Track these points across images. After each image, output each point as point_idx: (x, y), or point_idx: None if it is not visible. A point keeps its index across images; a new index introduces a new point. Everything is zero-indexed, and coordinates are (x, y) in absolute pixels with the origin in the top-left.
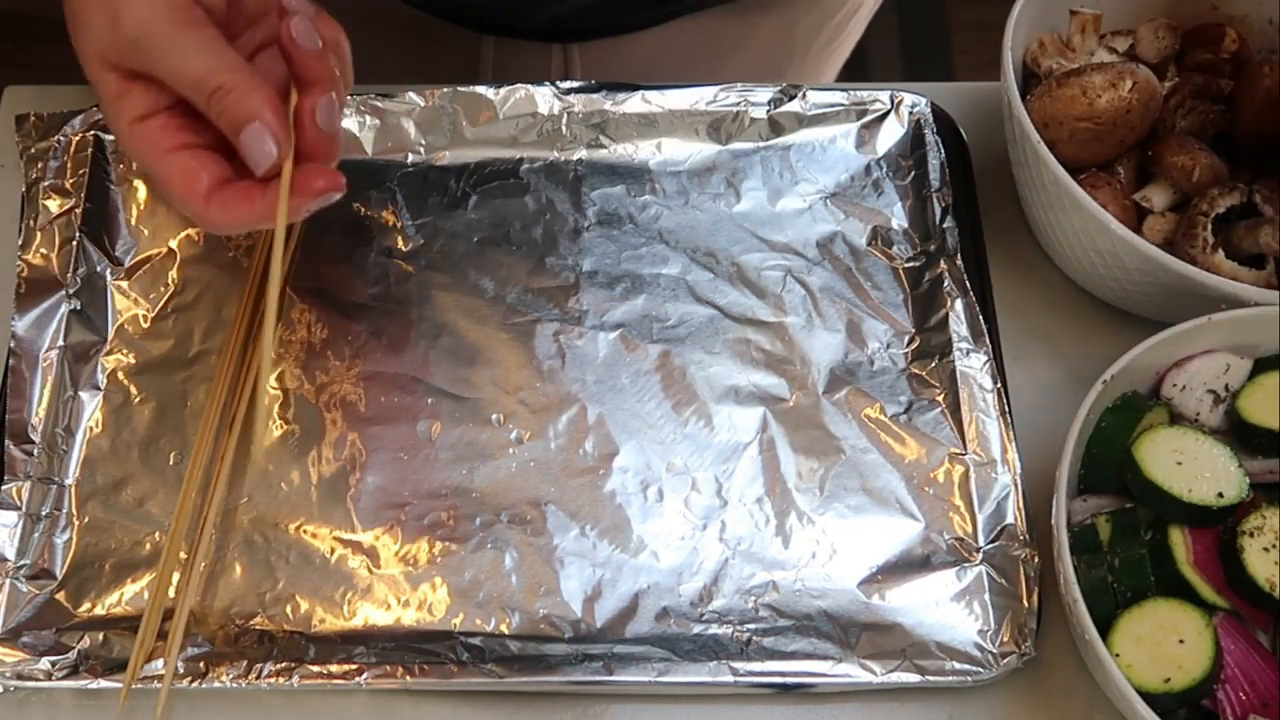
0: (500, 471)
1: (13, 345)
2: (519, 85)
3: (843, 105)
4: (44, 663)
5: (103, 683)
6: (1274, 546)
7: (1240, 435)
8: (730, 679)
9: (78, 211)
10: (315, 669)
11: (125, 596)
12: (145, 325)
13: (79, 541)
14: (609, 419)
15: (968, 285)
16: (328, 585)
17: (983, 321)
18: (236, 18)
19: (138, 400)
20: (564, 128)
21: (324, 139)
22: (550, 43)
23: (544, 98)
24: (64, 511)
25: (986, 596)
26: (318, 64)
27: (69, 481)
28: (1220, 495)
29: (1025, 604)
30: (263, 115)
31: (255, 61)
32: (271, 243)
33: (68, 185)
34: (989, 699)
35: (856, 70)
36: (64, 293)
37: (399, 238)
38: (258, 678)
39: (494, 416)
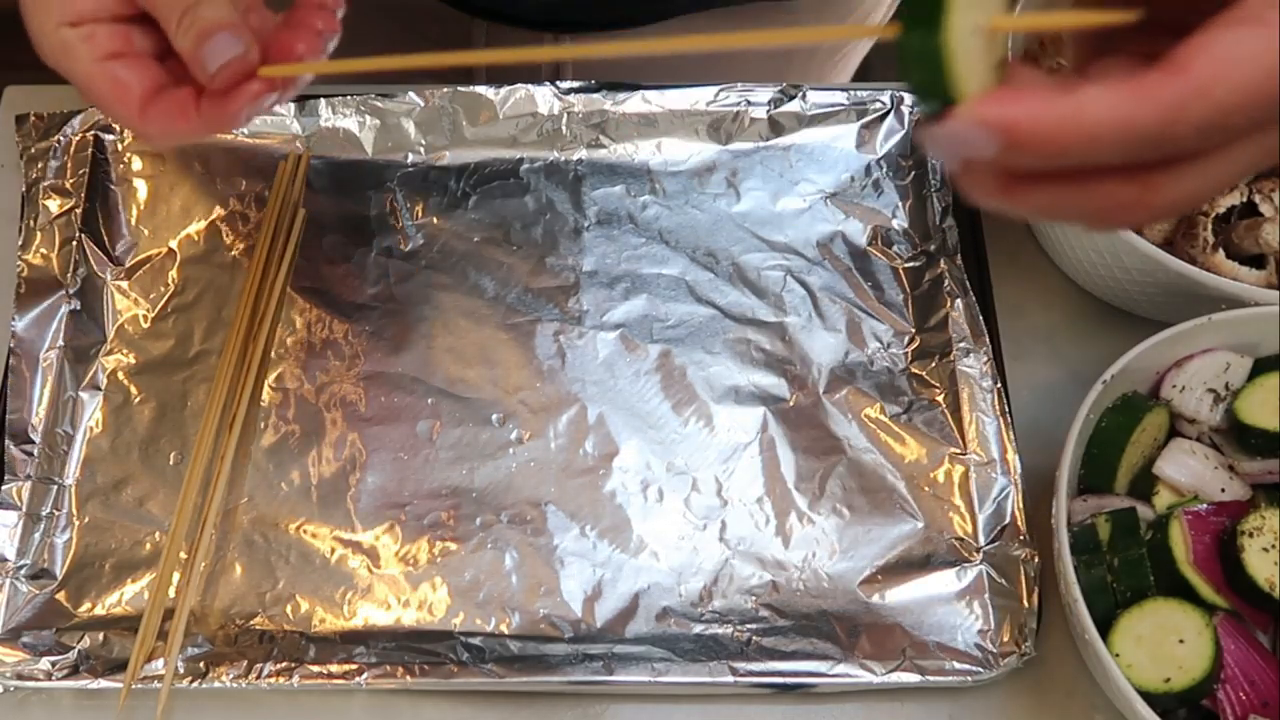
0: (500, 471)
1: (13, 345)
2: (519, 85)
3: (843, 105)
4: (44, 663)
5: (103, 683)
6: (1274, 546)
7: (1238, 436)
8: (730, 679)
9: (78, 211)
10: (315, 669)
11: (125, 596)
12: (145, 325)
13: (79, 541)
14: (609, 419)
15: (968, 285)
16: (328, 585)
17: (983, 321)
18: None
19: (138, 400)
20: (564, 128)
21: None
22: (542, 32)
23: (544, 97)
24: (64, 511)
25: (986, 596)
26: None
27: (69, 481)
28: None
29: (1025, 604)
30: (234, 24)
31: None
32: (271, 244)
33: (68, 185)
34: (989, 699)
35: (857, 70)
36: (64, 293)
37: (399, 238)
38: (258, 678)
39: (494, 416)
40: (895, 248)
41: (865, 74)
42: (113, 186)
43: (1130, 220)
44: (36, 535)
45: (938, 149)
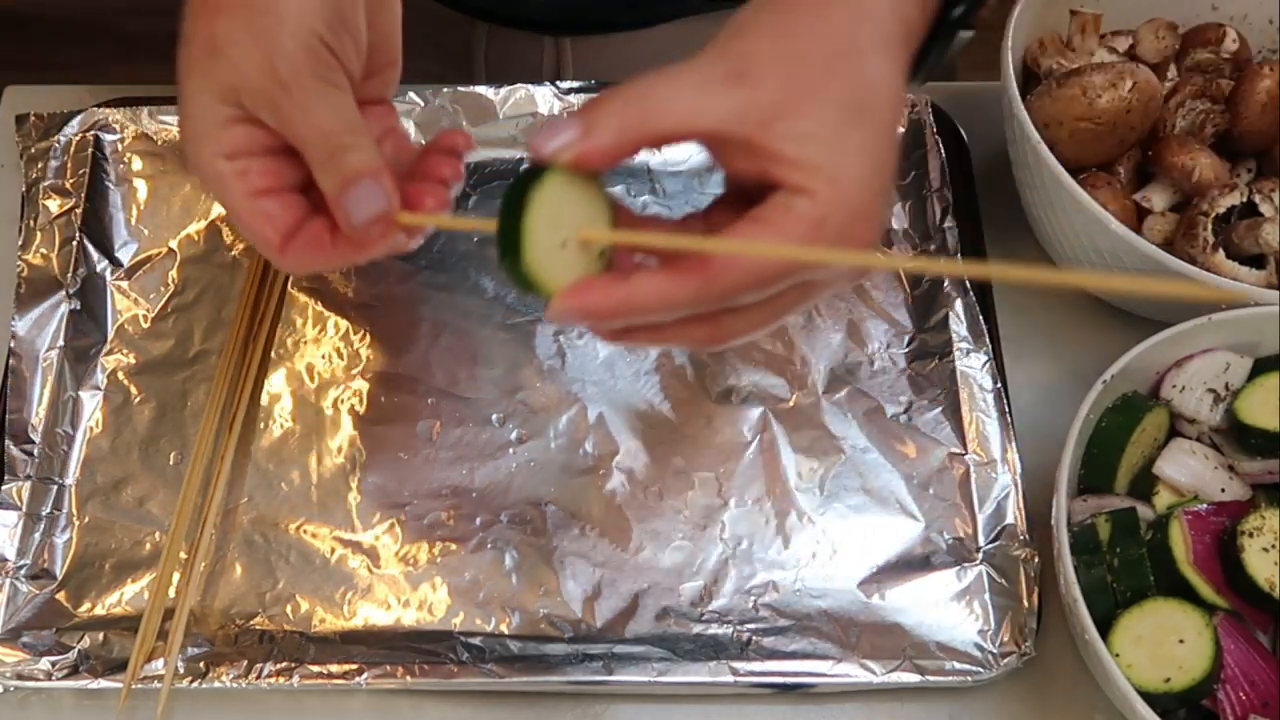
0: (500, 471)
1: (13, 345)
2: (519, 85)
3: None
4: (44, 663)
5: (103, 683)
6: (1273, 546)
7: (1238, 436)
8: (730, 679)
9: (78, 211)
10: (315, 669)
11: (125, 596)
12: (145, 325)
13: (79, 541)
14: (609, 419)
15: (968, 285)
16: (328, 585)
17: (983, 321)
18: (358, 68)
19: (138, 400)
20: None
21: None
22: (543, 34)
23: (544, 97)
24: (64, 511)
25: (986, 596)
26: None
27: (69, 481)
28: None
29: (1025, 604)
30: (379, 173)
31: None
32: None
33: (68, 185)
34: (989, 699)
35: None
36: (64, 293)
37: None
38: (258, 678)
39: (494, 416)
40: (895, 248)
41: None
42: (113, 186)
43: (718, 343)
44: (36, 535)
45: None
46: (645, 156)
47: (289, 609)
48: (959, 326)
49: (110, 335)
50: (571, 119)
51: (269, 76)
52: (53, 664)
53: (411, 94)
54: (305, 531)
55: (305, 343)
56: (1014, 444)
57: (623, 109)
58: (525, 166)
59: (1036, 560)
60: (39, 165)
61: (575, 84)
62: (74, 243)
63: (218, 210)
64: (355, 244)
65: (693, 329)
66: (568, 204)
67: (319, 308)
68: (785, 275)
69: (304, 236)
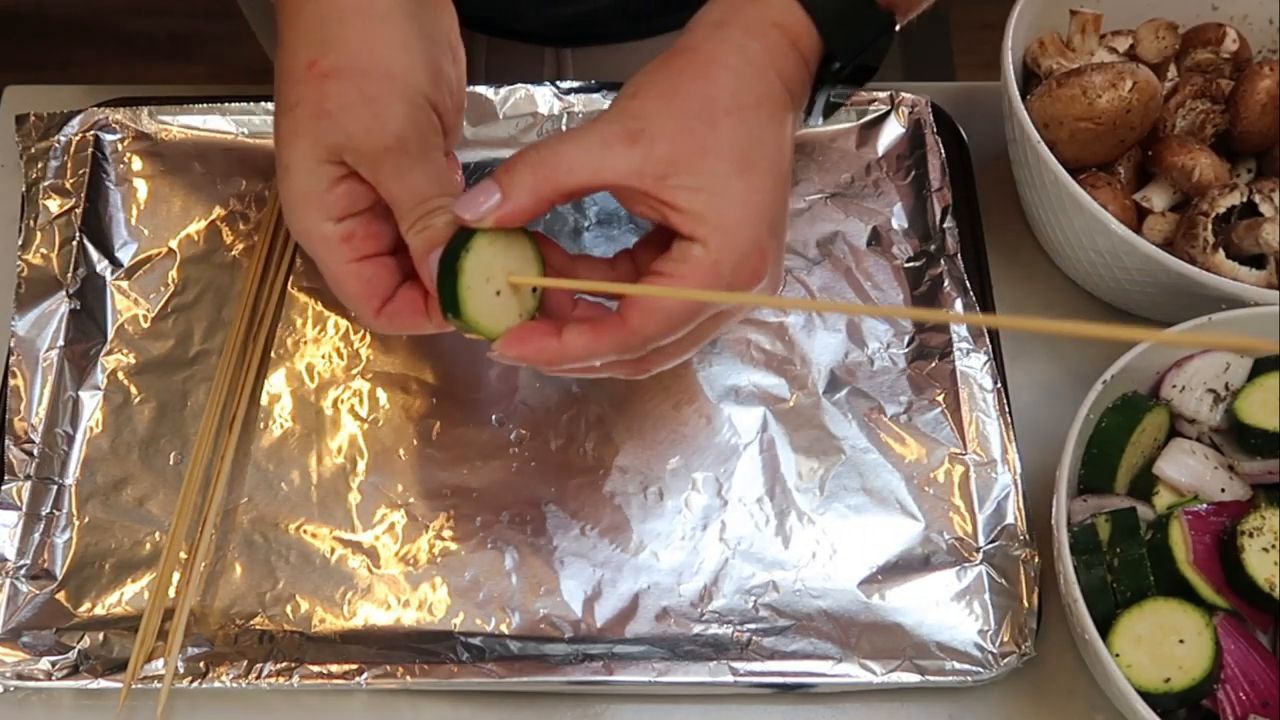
0: (500, 471)
1: (13, 345)
2: (519, 85)
3: (843, 105)
4: (44, 663)
5: (103, 683)
6: (1273, 546)
7: (1238, 436)
8: (730, 679)
9: (78, 211)
10: (315, 669)
11: (125, 596)
12: (145, 325)
13: (79, 541)
14: (609, 419)
15: (968, 285)
16: (328, 585)
17: None
18: (454, 121)
19: (138, 400)
20: (564, 128)
21: None
22: (543, 46)
23: (544, 98)
24: (64, 511)
25: (986, 596)
26: None
27: (69, 481)
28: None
29: (1025, 604)
30: None
31: None
32: (271, 244)
33: (68, 185)
34: (989, 699)
35: None
36: (64, 293)
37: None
38: (258, 678)
39: (494, 416)
40: (895, 248)
41: None
42: (113, 187)
43: (643, 374)
44: (36, 535)
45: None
46: None
47: (289, 609)
48: (959, 326)
49: (110, 335)
50: (489, 184)
51: (377, 139)
52: (53, 664)
53: None
54: (305, 531)
55: (305, 343)
56: (1014, 444)
57: (534, 172)
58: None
59: (1036, 560)
60: (39, 165)
61: (575, 84)
62: (74, 243)
63: (218, 210)
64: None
65: (619, 367)
66: (498, 256)
67: (319, 308)
68: (694, 316)
69: (400, 302)
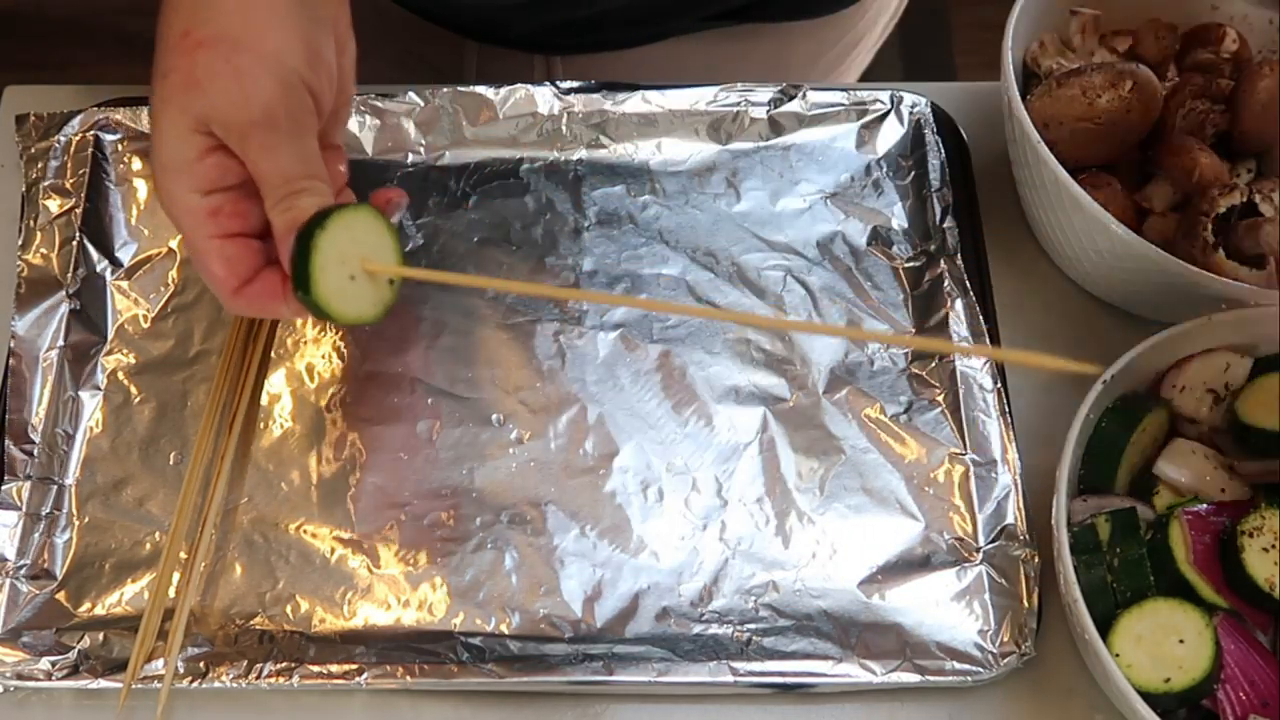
0: (500, 471)
1: (13, 345)
2: (519, 85)
3: (843, 105)
4: (44, 663)
5: (103, 683)
6: (1273, 547)
7: (1238, 436)
8: (730, 679)
9: (78, 211)
10: (315, 669)
11: (125, 596)
12: (145, 325)
13: (79, 541)
14: (609, 419)
15: (968, 285)
16: (328, 585)
17: (983, 321)
18: (328, 105)
19: (138, 400)
20: (564, 127)
21: None
22: (533, 53)
23: (544, 97)
24: (64, 511)
25: (986, 596)
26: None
27: (69, 481)
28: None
29: (1025, 604)
30: None
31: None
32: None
33: (68, 185)
34: (989, 699)
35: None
36: (64, 293)
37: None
38: (258, 678)
39: (494, 416)
40: (895, 248)
41: (866, 74)
42: (113, 187)
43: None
44: (36, 535)
45: None
46: (646, 156)
47: (289, 609)
48: (959, 326)
49: (110, 335)
50: None
51: (243, 112)
52: (53, 664)
53: (411, 94)
54: (305, 531)
55: (305, 343)
56: (1014, 444)
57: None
58: (316, 213)
59: (1036, 560)
60: (39, 165)
61: (575, 84)
62: (74, 243)
63: None
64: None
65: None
66: (355, 241)
67: None
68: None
69: (259, 284)
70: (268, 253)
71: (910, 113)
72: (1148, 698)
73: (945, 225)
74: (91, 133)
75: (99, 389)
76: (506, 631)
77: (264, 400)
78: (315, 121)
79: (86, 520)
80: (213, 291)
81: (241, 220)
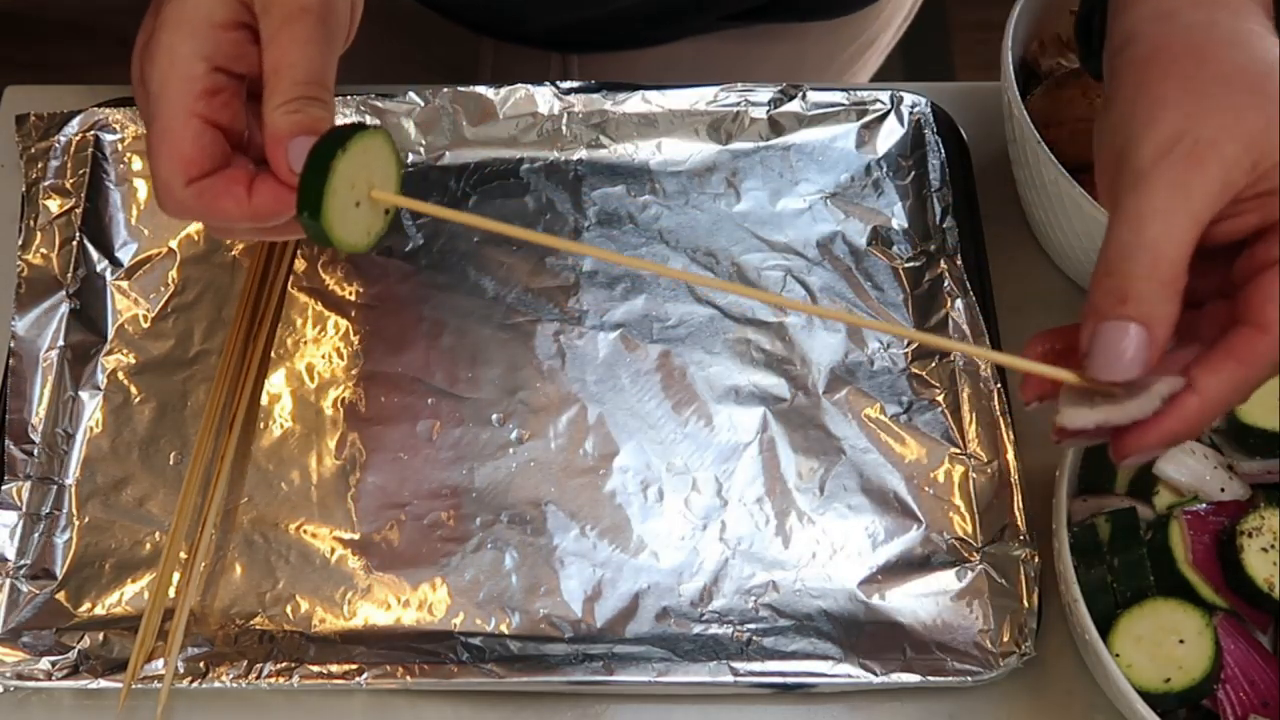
0: (500, 471)
1: (13, 345)
2: (519, 85)
3: (843, 105)
4: (44, 663)
5: (103, 683)
6: (1272, 547)
7: (1238, 436)
8: (730, 679)
9: (78, 211)
10: (315, 669)
11: (125, 596)
12: (145, 325)
13: (79, 541)
14: (609, 419)
15: (968, 285)
16: (328, 585)
17: (983, 321)
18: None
19: (138, 400)
20: (564, 128)
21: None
22: (549, 51)
23: (544, 98)
24: (64, 511)
25: (986, 596)
26: None
27: (69, 481)
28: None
29: (1025, 604)
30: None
31: None
32: (271, 244)
33: (68, 185)
34: (989, 699)
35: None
36: (64, 293)
37: (399, 238)
38: (258, 678)
39: (494, 416)
40: (895, 248)
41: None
42: (113, 187)
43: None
44: (36, 535)
45: None
46: (646, 156)
47: (289, 609)
48: (959, 326)
49: (110, 335)
50: (1120, 325)
51: None
52: (53, 664)
53: (411, 94)
54: (305, 531)
55: (305, 343)
56: (1014, 444)
57: (1150, 279)
58: (333, 131)
59: (1036, 560)
60: (39, 165)
61: (575, 84)
62: (74, 243)
63: None
64: (277, 197)
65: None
66: (368, 167)
67: (319, 308)
68: None
69: (219, 179)
70: (228, 161)
71: (910, 113)
72: (1148, 698)
73: (945, 225)
74: (91, 133)
75: (99, 389)
76: (506, 631)
77: (264, 400)
78: (344, 42)
79: (86, 520)
80: (158, 179)
81: (230, 115)
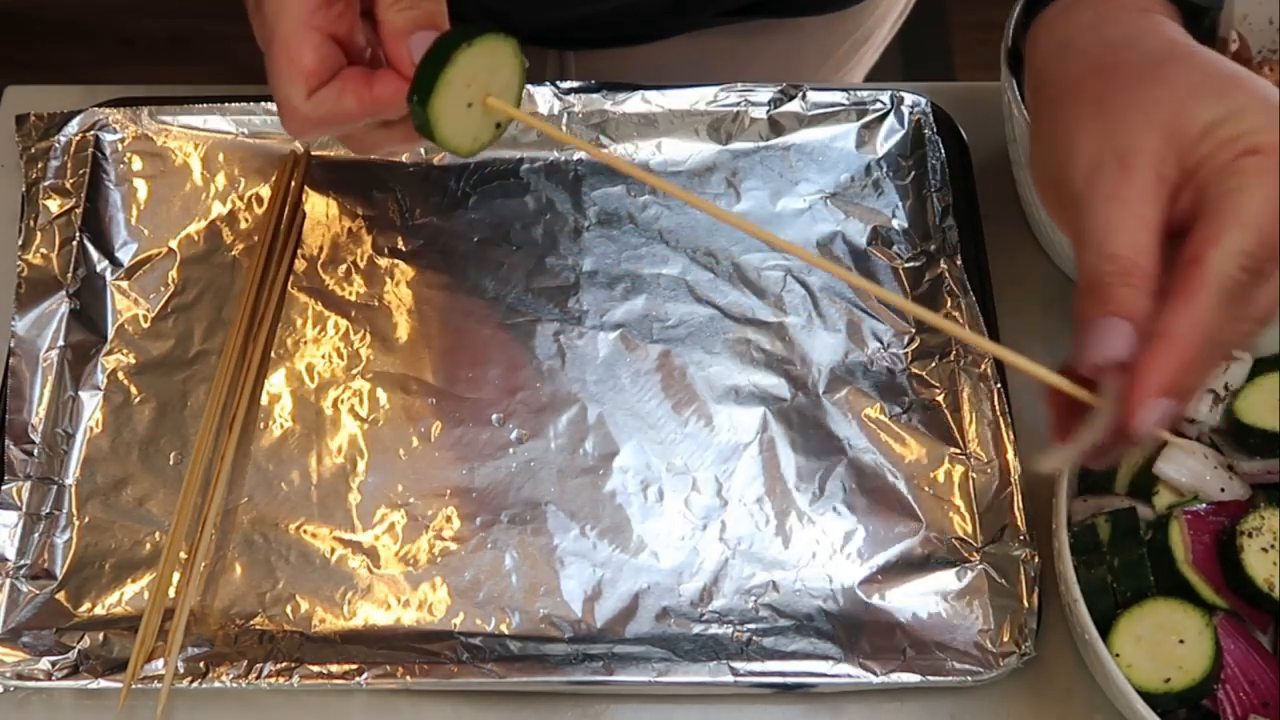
0: (500, 471)
1: (13, 345)
2: None
3: (843, 105)
4: (44, 663)
5: (103, 683)
6: (1272, 547)
7: (1238, 436)
8: (730, 679)
9: (78, 211)
10: (315, 669)
11: (125, 596)
12: (145, 325)
13: (79, 541)
14: (609, 419)
15: (968, 285)
16: (328, 585)
17: (983, 321)
18: None
19: (138, 400)
20: (564, 127)
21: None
22: (546, 48)
23: (544, 97)
24: (64, 511)
25: (986, 596)
26: None
27: (69, 481)
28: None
29: (1025, 604)
30: (444, 25)
31: None
32: (271, 244)
33: (68, 185)
34: (989, 699)
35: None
36: (64, 293)
37: (399, 238)
38: (258, 678)
39: (494, 416)
40: (895, 248)
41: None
42: (113, 187)
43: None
44: (36, 535)
45: None
46: (646, 156)
47: (289, 609)
48: (959, 326)
49: (110, 335)
50: (1115, 322)
51: None
52: (53, 664)
53: None
54: (305, 531)
55: (305, 343)
56: (1014, 444)
57: (1124, 293)
58: (461, 28)
59: (1036, 560)
60: (39, 165)
61: (575, 84)
62: (74, 243)
63: (218, 210)
64: (393, 92)
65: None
66: (489, 71)
67: (319, 308)
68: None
69: (339, 79)
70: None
71: (910, 113)
72: (1148, 698)
73: (945, 225)
74: (91, 133)
75: (99, 389)
76: (506, 631)
77: (264, 400)
78: None
79: (86, 520)
80: (280, 97)
81: (345, 27)
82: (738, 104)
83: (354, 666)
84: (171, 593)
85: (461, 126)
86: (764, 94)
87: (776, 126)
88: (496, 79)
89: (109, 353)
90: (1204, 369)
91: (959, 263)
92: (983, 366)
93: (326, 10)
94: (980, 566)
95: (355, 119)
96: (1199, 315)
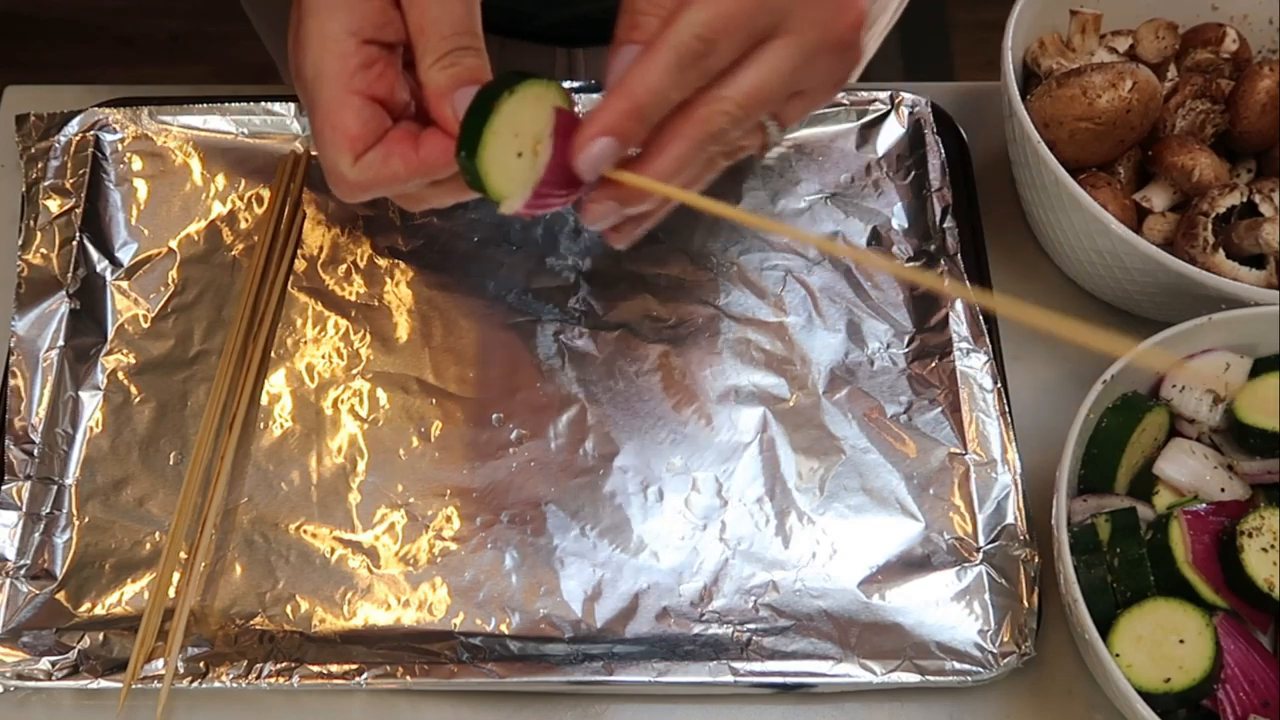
0: (500, 471)
1: (13, 345)
2: None
3: (843, 105)
4: (44, 663)
5: (103, 683)
6: (1272, 547)
7: (1237, 436)
8: (730, 679)
9: (78, 211)
10: (315, 669)
11: (125, 596)
12: (145, 325)
13: (79, 541)
14: (609, 419)
15: (968, 285)
16: (328, 585)
17: (983, 321)
18: None
19: (138, 400)
20: None
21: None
22: (554, 46)
23: None
24: (64, 511)
25: (986, 596)
26: None
27: (69, 481)
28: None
29: (1025, 604)
30: (486, 78)
31: None
32: (271, 244)
33: (68, 185)
34: (989, 699)
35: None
36: (64, 293)
37: (399, 238)
38: (258, 678)
39: (494, 416)
40: (895, 248)
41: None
42: (113, 187)
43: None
44: (36, 535)
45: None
46: None
47: (289, 609)
48: (959, 326)
49: (110, 335)
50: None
51: None
52: (53, 664)
53: None
54: (305, 531)
55: (305, 343)
56: (1014, 444)
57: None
58: (502, 76)
59: (1036, 560)
60: (39, 165)
61: (575, 84)
62: (74, 243)
63: (218, 210)
64: (439, 154)
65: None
66: (535, 117)
67: (319, 308)
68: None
69: (385, 143)
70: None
71: (910, 113)
72: (1148, 698)
73: (945, 225)
74: (91, 133)
75: (99, 389)
76: (506, 631)
77: (264, 400)
78: None
79: (86, 520)
80: (327, 164)
81: (386, 87)
82: None
83: (354, 666)
84: (171, 593)
85: (512, 175)
86: None
87: None
88: (544, 124)
89: (109, 353)
90: (682, 137)
91: (959, 263)
92: (983, 366)
93: (365, 72)
94: (980, 566)
95: (403, 181)
96: (649, 74)
